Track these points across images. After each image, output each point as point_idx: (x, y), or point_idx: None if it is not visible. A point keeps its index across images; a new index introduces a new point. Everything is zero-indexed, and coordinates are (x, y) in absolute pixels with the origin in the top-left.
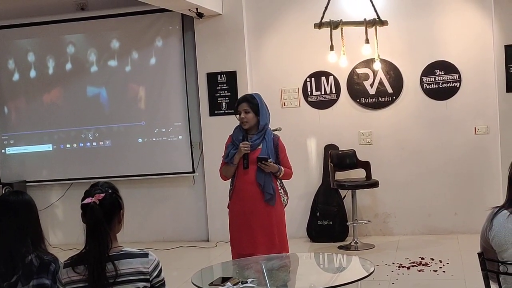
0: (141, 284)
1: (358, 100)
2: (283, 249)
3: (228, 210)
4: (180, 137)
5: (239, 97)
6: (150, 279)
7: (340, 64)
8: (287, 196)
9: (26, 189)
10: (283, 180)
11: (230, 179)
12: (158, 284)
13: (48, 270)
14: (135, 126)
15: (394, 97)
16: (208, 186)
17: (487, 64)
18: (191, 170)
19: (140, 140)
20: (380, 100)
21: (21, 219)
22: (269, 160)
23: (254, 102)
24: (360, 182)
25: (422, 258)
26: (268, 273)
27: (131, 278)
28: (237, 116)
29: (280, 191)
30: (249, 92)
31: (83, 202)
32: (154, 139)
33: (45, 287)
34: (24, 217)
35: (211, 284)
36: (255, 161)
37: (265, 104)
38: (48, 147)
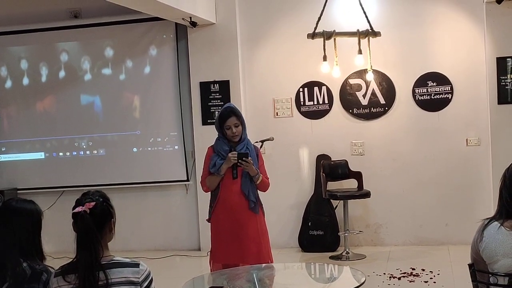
0: None
1: (350, 111)
2: (269, 258)
3: (210, 222)
4: (176, 147)
5: (222, 110)
6: None
7: (333, 74)
8: (263, 209)
9: (17, 196)
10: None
11: (211, 191)
12: None
13: (39, 280)
14: (130, 135)
15: (386, 108)
16: (200, 195)
17: (479, 76)
18: (185, 179)
19: (135, 149)
20: (373, 110)
21: (16, 227)
22: (249, 158)
23: (239, 114)
24: (352, 193)
25: (413, 269)
26: (259, 283)
27: (121, 287)
28: (225, 130)
29: (261, 202)
30: (243, 102)
31: (73, 211)
32: (149, 148)
33: None
34: (19, 226)
35: None
36: (241, 171)
37: None
38: (40, 155)
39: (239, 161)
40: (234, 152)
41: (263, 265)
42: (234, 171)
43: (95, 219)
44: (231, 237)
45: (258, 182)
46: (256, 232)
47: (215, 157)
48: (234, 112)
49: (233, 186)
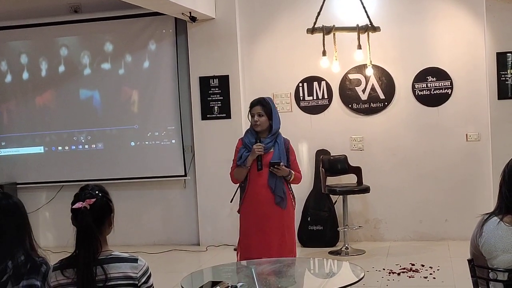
0: None
1: (350, 106)
2: (292, 253)
3: (239, 214)
4: (173, 141)
5: (252, 100)
6: (139, 285)
7: (332, 69)
8: (294, 201)
9: (16, 191)
10: (292, 185)
11: (240, 183)
12: None
13: (39, 272)
14: (128, 129)
15: (386, 103)
16: (199, 190)
17: (479, 71)
18: (183, 174)
19: (132, 143)
20: (372, 106)
21: (13, 221)
22: (281, 164)
23: (267, 106)
24: (351, 188)
25: (413, 264)
26: (258, 278)
27: (119, 282)
28: (250, 118)
29: (291, 194)
30: (242, 97)
31: (73, 207)
32: (146, 142)
33: None
34: (15, 219)
35: None
36: (267, 164)
37: (276, 109)
38: (39, 149)
39: (271, 168)
40: (259, 144)
41: (264, 259)
42: (258, 163)
43: (95, 215)
44: (255, 230)
45: (291, 180)
46: (280, 225)
47: (242, 149)
48: (260, 102)
49: (260, 179)
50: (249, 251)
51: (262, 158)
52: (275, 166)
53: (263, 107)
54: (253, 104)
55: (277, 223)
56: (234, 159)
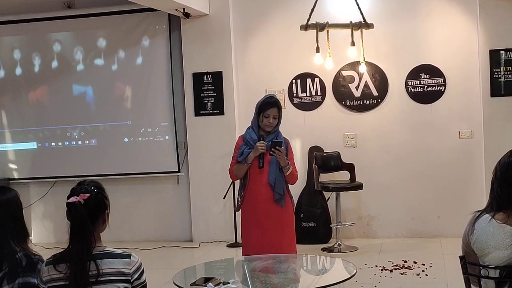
0: (121, 285)
1: (343, 103)
2: (291, 250)
3: (237, 211)
4: (166, 137)
5: (266, 99)
6: (131, 281)
7: (325, 66)
8: (292, 201)
9: (9, 186)
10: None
11: (240, 180)
12: (139, 287)
13: (35, 269)
14: (121, 125)
15: (379, 100)
16: (192, 186)
17: (472, 68)
18: (176, 170)
19: (126, 139)
20: (365, 102)
21: (8, 216)
22: (281, 148)
23: (281, 109)
24: (344, 185)
25: (405, 261)
26: (251, 274)
27: (112, 278)
28: (262, 117)
29: (289, 194)
30: (235, 93)
31: (68, 201)
32: (140, 138)
33: (30, 286)
34: (11, 215)
35: (193, 284)
36: (269, 161)
37: None
38: (32, 145)
39: (272, 149)
40: (262, 142)
41: (256, 256)
42: (260, 160)
43: (88, 210)
44: (254, 227)
45: (287, 174)
46: (279, 223)
47: (243, 146)
48: (277, 104)
49: (260, 176)
50: (248, 249)
51: (264, 156)
52: (276, 147)
53: (279, 109)
54: (269, 105)
55: (276, 220)
56: (234, 156)
